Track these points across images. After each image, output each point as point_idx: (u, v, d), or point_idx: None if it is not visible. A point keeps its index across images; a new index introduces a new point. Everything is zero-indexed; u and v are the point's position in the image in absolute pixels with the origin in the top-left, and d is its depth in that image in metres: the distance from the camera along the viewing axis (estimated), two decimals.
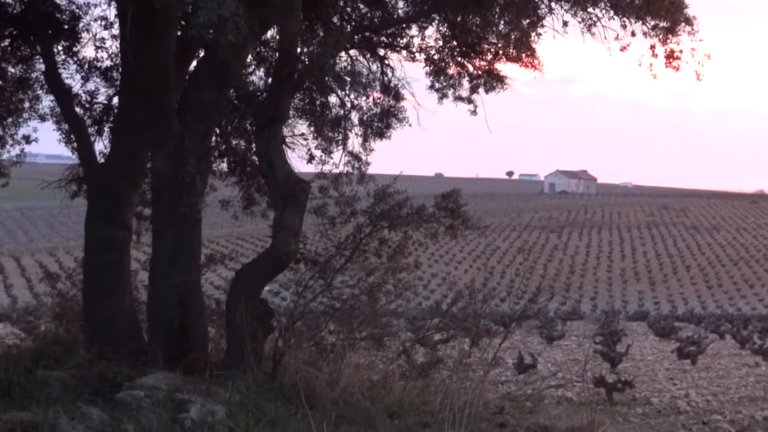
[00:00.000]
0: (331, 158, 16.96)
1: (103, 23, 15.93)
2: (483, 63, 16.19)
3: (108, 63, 16.15)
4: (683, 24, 14.41)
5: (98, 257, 14.44)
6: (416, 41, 16.29)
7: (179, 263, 13.26)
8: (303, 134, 16.92)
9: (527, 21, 15.11)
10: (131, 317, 14.40)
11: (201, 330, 13.66)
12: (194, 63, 14.79)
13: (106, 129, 16.37)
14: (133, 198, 14.98)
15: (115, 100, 16.00)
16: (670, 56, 14.66)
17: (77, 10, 15.65)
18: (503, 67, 16.21)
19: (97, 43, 16.01)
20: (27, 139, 17.16)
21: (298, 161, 16.42)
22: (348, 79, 15.23)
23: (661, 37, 14.58)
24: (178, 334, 13.11)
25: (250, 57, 15.71)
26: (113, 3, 15.05)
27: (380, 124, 16.90)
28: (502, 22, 15.37)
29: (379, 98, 16.76)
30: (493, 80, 16.21)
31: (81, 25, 15.76)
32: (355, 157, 17.00)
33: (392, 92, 16.65)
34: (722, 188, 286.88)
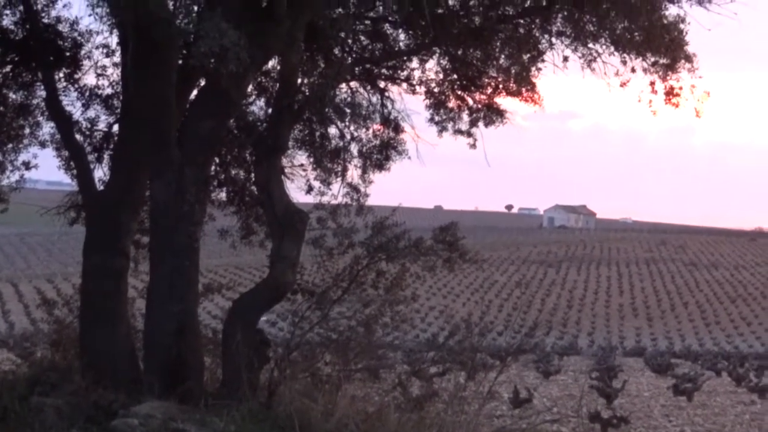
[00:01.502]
0: (330, 189, 16.91)
1: (105, 51, 16.01)
2: (483, 97, 16.21)
3: (109, 91, 16.18)
4: (683, 61, 14.44)
5: (96, 284, 14.40)
6: (417, 74, 16.34)
7: (177, 292, 13.21)
8: (302, 165, 16.91)
9: (528, 55, 15.16)
10: (128, 345, 14.35)
11: (197, 359, 13.60)
12: (195, 92, 14.80)
13: (105, 156, 16.37)
14: (132, 226, 14.94)
15: (116, 127, 15.99)
16: (670, 93, 14.68)
17: (79, 38, 15.72)
18: (503, 101, 16.22)
19: (98, 71, 16.06)
20: (27, 165, 17.15)
21: (296, 192, 16.39)
22: (348, 110, 15.20)
23: (660, 73, 14.60)
24: (175, 362, 13.05)
25: (250, 87, 15.72)
26: (115, 31, 15.10)
27: (379, 156, 16.91)
28: (503, 56, 15.42)
29: (379, 130, 16.77)
30: (492, 114, 16.22)
31: (82, 52, 15.84)
32: (354, 188, 16.98)
33: (392, 124, 16.66)
34: (721, 225, 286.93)
